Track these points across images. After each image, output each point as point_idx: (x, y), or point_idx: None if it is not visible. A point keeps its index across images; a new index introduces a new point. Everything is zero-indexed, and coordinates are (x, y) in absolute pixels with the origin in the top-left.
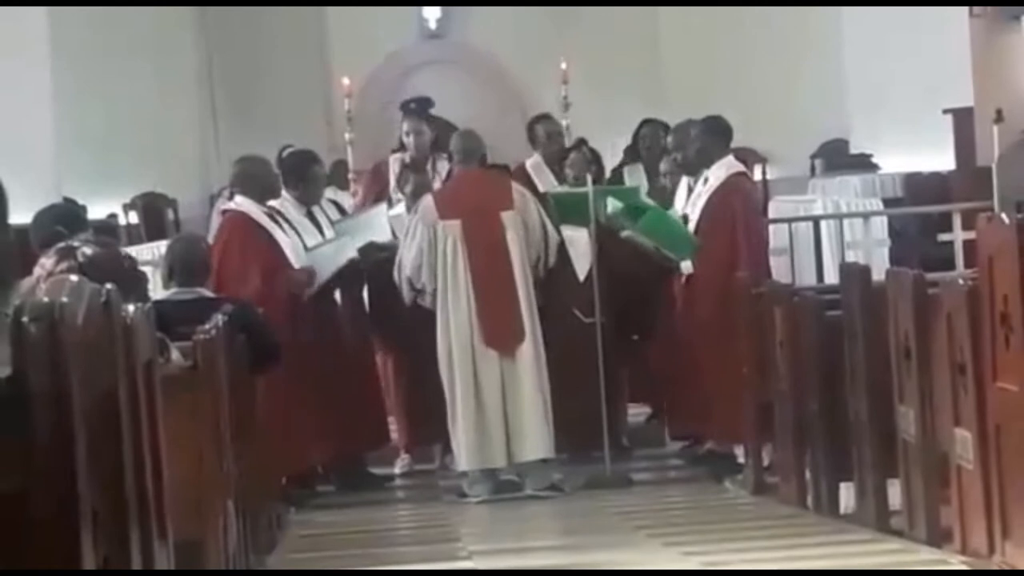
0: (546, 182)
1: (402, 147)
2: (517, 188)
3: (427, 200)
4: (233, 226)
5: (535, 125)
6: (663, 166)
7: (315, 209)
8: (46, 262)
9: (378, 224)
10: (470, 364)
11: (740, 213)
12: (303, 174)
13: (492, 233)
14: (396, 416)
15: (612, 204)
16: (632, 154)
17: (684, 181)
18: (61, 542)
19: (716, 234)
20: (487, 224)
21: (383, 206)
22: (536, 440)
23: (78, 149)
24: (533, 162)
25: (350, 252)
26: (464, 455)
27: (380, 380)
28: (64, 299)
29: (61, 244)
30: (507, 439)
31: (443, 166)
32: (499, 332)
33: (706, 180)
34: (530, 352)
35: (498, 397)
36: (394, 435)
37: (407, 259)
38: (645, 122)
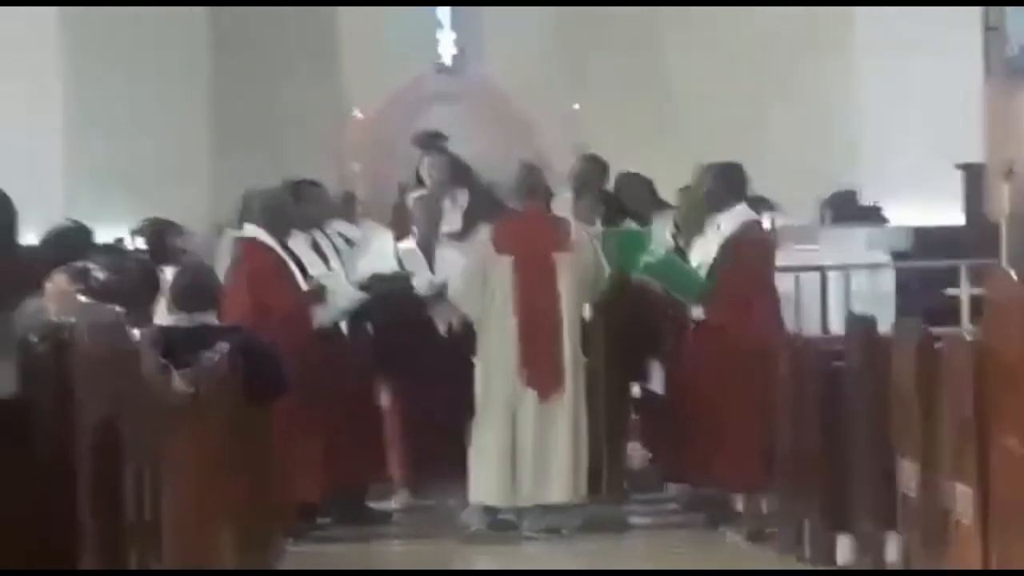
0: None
1: (418, 183)
2: (576, 229)
3: (484, 232)
4: (247, 255)
5: (576, 163)
6: (677, 202)
7: (321, 240)
8: (59, 279)
9: (382, 254)
10: (508, 402)
11: (754, 263)
12: (299, 195)
13: (544, 274)
14: (396, 451)
15: (647, 256)
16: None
17: (706, 229)
18: (63, 563)
19: (728, 281)
20: (540, 264)
21: (388, 236)
22: (564, 483)
23: (87, 173)
24: (560, 200)
25: (358, 292)
26: (488, 491)
27: (380, 414)
28: (72, 320)
29: (77, 264)
30: (534, 482)
31: (463, 199)
32: (541, 374)
33: (718, 227)
34: (570, 398)
35: (531, 439)
36: (393, 470)
37: (457, 288)
38: (622, 176)
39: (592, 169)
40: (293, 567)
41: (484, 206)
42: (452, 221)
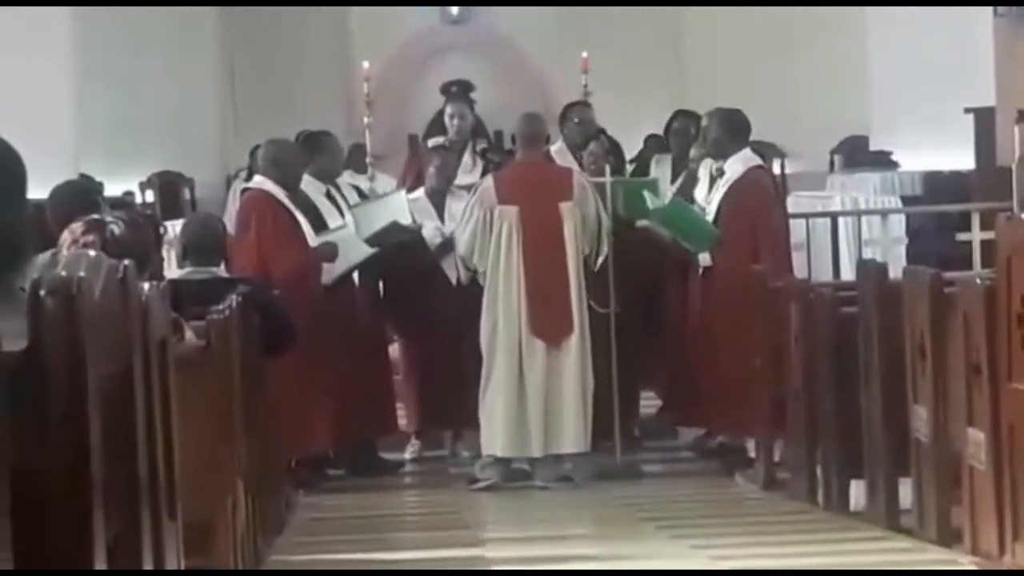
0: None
1: (434, 131)
2: (578, 178)
3: (487, 182)
4: (254, 205)
5: (569, 110)
6: (693, 151)
7: (333, 192)
8: (75, 228)
9: (397, 208)
10: (516, 352)
11: (759, 207)
12: (315, 146)
13: (549, 223)
14: (407, 402)
15: (652, 201)
16: (659, 144)
17: (704, 169)
18: (73, 518)
19: (734, 228)
20: (545, 213)
21: (402, 192)
22: (575, 433)
23: (96, 127)
24: (557, 147)
25: (366, 251)
26: (500, 442)
27: (391, 366)
28: (82, 274)
29: (93, 216)
30: (545, 430)
31: (481, 147)
32: (548, 323)
33: (722, 173)
34: (577, 346)
35: (540, 388)
36: (403, 422)
37: (461, 239)
38: (678, 114)
39: (590, 116)
40: (305, 518)
41: (488, 153)
42: (474, 172)
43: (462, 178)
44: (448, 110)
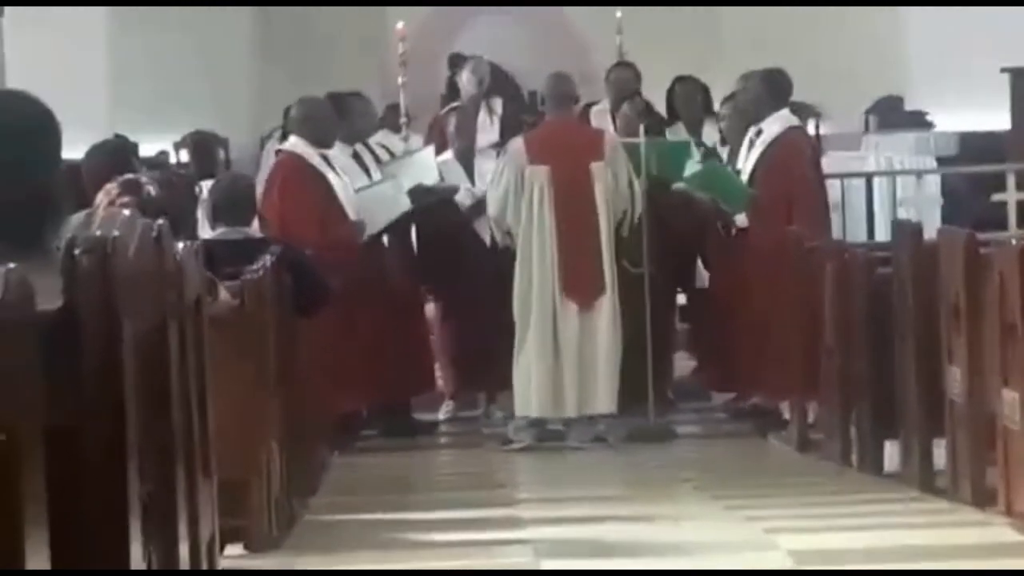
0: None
1: (451, 96)
2: (609, 139)
3: (517, 143)
4: (287, 167)
5: (611, 71)
6: (721, 110)
7: (361, 151)
8: (111, 188)
9: (425, 165)
10: (549, 313)
11: (796, 168)
12: (342, 108)
13: (580, 183)
14: (441, 363)
15: (691, 167)
16: (669, 113)
17: (748, 134)
18: (107, 477)
19: (770, 189)
20: (576, 173)
21: (430, 148)
22: (607, 395)
23: (130, 86)
24: (599, 108)
25: (403, 203)
26: (534, 403)
27: (427, 325)
28: (116, 233)
29: (129, 176)
30: (579, 391)
31: (497, 105)
32: (580, 284)
33: (759, 132)
34: (608, 306)
35: (574, 348)
36: (439, 381)
37: (492, 199)
38: (679, 79)
39: (627, 76)
40: (339, 478)
41: (521, 114)
42: (490, 131)
43: (480, 136)
44: (468, 66)
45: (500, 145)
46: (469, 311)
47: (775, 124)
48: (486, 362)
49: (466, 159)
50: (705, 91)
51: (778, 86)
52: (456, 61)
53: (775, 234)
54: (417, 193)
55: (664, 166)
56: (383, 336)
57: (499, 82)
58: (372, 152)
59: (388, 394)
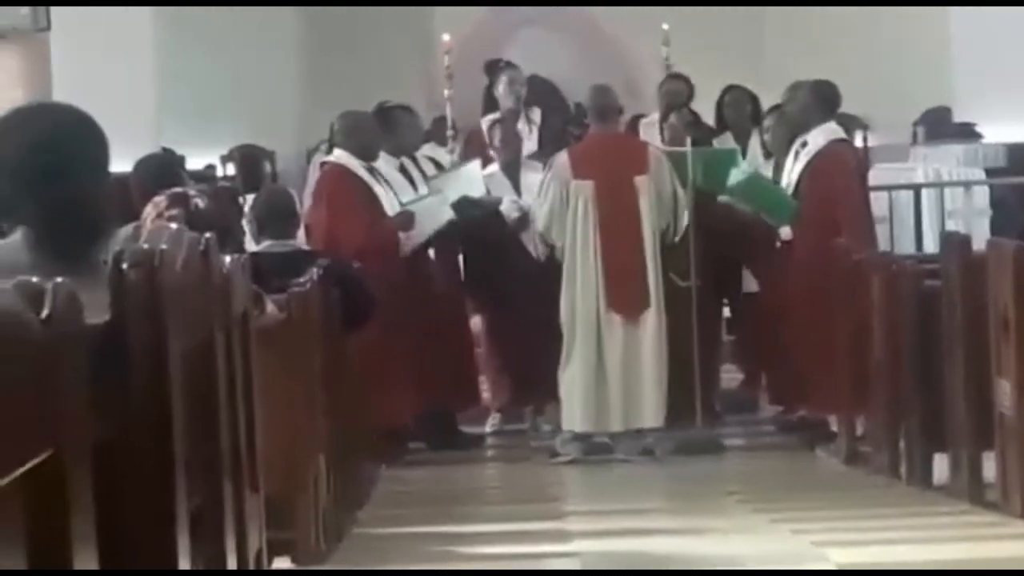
0: (652, 140)
1: (488, 108)
2: (653, 152)
3: (562, 157)
4: (332, 179)
5: (663, 83)
6: (767, 121)
7: (408, 164)
8: (159, 201)
9: (471, 179)
10: (594, 327)
11: (841, 180)
12: (389, 121)
13: (625, 197)
14: (488, 376)
15: (735, 176)
16: (718, 122)
17: (794, 146)
18: (155, 491)
19: (814, 201)
20: (620, 187)
21: (476, 162)
22: (653, 408)
23: (177, 100)
24: (648, 120)
25: (447, 213)
26: (579, 417)
27: (472, 339)
28: (163, 246)
29: (177, 189)
30: (624, 405)
31: (535, 115)
32: (625, 297)
33: (805, 144)
34: (654, 320)
35: (619, 362)
36: (485, 395)
37: (539, 215)
38: (728, 89)
39: (679, 88)
40: (387, 491)
41: (567, 125)
42: (529, 141)
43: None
44: (504, 78)
45: (539, 156)
46: (515, 324)
47: (820, 136)
48: (533, 375)
49: (511, 171)
50: (754, 100)
51: (826, 97)
52: (493, 69)
53: (821, 246)
54: (462, 205)
55: (710, 177)
56: (429, 349)
57: (540, 93)
58: (418, 165)
59: (433, 407)
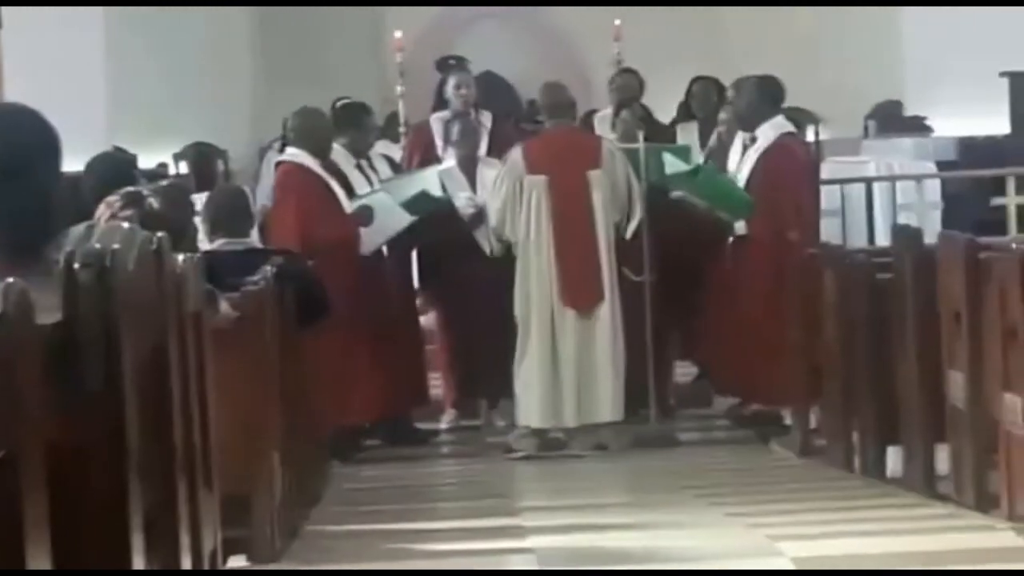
0: (606, 135)
1: (439, 106)
2: (607, 146)
3: (515, 153)
4: (294, 176)
5: (614, 77)
6: (721, 115)
7: (364, 163)
8: (113, 201)
9: (427, 181)
10: (548, 322)
11: (789, 174)
12: (356, 122)
13: (578, 192)
14: (443, 372)
15: (672, 166)
16: (685, 112)
17: (739, 138)
18: (109, 491)
19: (765, 195)
20: (573, 183)
21: (433, 169)
22: (609, 403)
23: (130, 98)
24: (602, 115)
25: (404, 218)
26: (534, 412)
27: (423, 337)
28: (116, 246)
29: (131, 188)
30: (579, 400)
31: (487, 119)
32: (579, 292)
33: (754, 139)
34: (608, 315)
35: (573, 357)
36: (437, 392)
37: (492, 210)
38: (697, 79)
39: (630, 83)
40: (342, 489)
41: (509, 126)
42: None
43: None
44: (452, 81)
45: (487, 157)
46: (468, 320)
47: (770, 131)
48: (486, 371)
49: (468, 167)
50: (721, 91)
51: (771, 92)
52: (444, 67)
53: (773, 240)
54: (418, 202)
55: (662, 172)
56: (382, 349)
57: (492, 90)
58: (372, 164)
59: (386, 408)
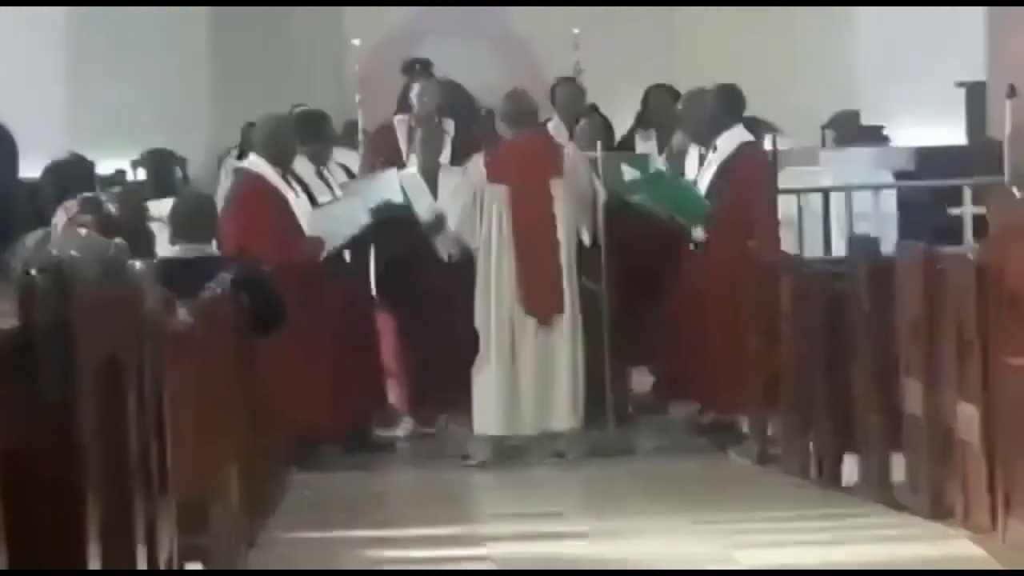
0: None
1: (405, 109)
2: (570, 153)
3: (476, 161)
4: (245, 186)
5: (556, 88)
6: (675, 139)
7: (325, 172)
8: (71, 206)
9: (389, 185)
10: (508, 330)
11: (755, 184)
12: (318, 133)
13: (539, 202)
14: (399, 379)
15: (629, 172)
16: (642, 121)
17: (695, 149)
18: (65, 499)
19: (726, 204)
20: (535, 192)
21: (392, 171)
22: (567, 410)
23: (88, 104)
24: (554, 124)
25: (363, 218)
26: (492, 420)
27: (380, 342)
28: (72, 252)
29: (89, 194)
30: (537, 407)
31: (449, 126)
32: (539, 301)
33: (715, 148)
34: (569, 323)
35: (532, 365)
36: (397, 398)
37: (452, 216)
38: (653, 87)
39: (572, 91)
40: (298, 496)
41: (472, 135)
42: (442, 151)
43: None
44: (415, 88)
45: (450, 164)
46: (423, 327)
47: (730, 140)
48: (441, 379)
49: (430, 176)
50: (677, 99)
51: (732, 102)
52: (410, 69)
53: (732, 249)
54: (382, 211)
55: (623, 180)
56: (340, 355)
57: (450, 98)
58: (331, 173)
59: (344, 415)
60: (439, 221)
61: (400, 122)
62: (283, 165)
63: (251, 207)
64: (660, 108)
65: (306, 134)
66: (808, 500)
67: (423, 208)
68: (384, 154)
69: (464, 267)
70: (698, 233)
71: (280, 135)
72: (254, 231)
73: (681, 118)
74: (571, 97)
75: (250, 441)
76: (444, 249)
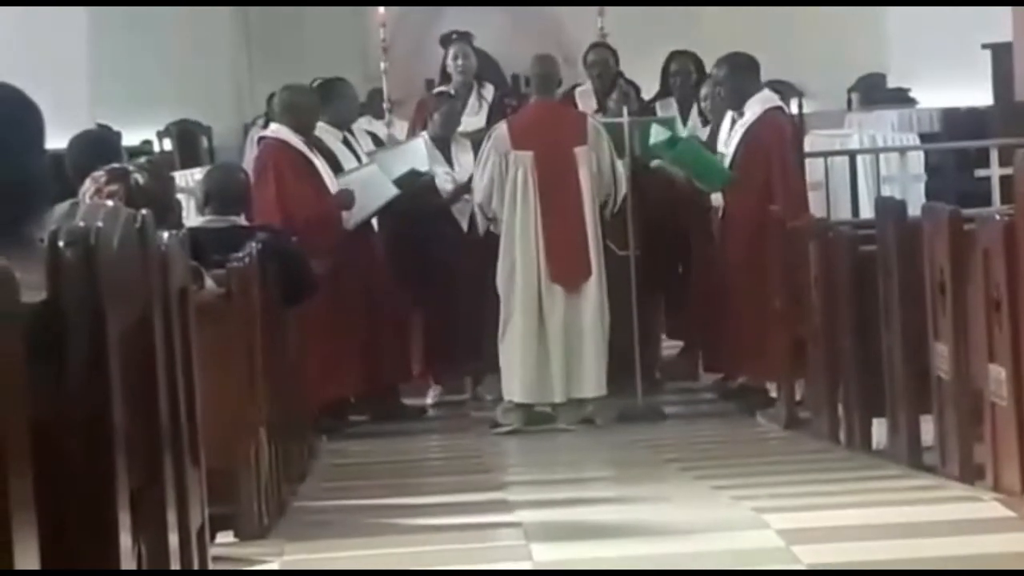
0: (588, 110)
1: (443, 80)
2: (592, 123)
3: (501, 128)
4: (271, 153)
5: (587, 52)
6: (705, 89)
7: (350, 138)
8: (99, 177)
9: (416, 155)
10: (535, 298)
11: (775, 147)
12: (336, 93)
13: (564, 168)
14: (426, 347)
15: (657, 135)
16: (663, 88)
17: (728, 115)
18: (95, 470)
19: (752, 169)
20: (560, 158)
21: (420, 139)
22: (594, 378)
23: (112, 75)
24: (583, 89)
25: (392, 189)
26: (520, 388)
27: (404, 313)
28: (100, 224)
29: (116, 164)
30: (565, 375)
31: (488, 92)
32: (566, 268)
33: (742, 114)
34: (595, 290)
35: (560, 333)
36: (426, 365)
37: (478, 186)
38: (674, 55)
39: (603, 57)
40: (329, 465)
41: (505, 98)
42: (478, 116)
43: (468, 120)
44: (451, 51)
45: (487, 130)
46: (446, 295)
47: (756, 105)
48: (467, 346)
49: (440, 144)
50: (699, 66)
51: (745, 67)
52: (447, 40)
53: (757, 213)
54: (407, 177)
55: (647, 145)
56: (370, 323)
57: (486, 67)
58: (356, 139)
59: (375, 381)
60: (459, 189)
61: (437, 93)
62: (306, 132)
63: (278, 172)
64: (681, 76)
65: (326, 100)
66: (837, 463)
67: (440, 176)
68: (422, 127)
69: (486, 234)
70: (715, 197)
71: (300, 104)
72: (283, 195)
73: (711, 82)
74: (604, 61)
75: (279, 410)
76: (463, 218)
